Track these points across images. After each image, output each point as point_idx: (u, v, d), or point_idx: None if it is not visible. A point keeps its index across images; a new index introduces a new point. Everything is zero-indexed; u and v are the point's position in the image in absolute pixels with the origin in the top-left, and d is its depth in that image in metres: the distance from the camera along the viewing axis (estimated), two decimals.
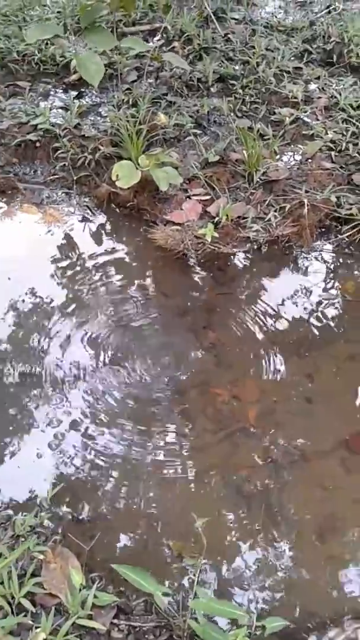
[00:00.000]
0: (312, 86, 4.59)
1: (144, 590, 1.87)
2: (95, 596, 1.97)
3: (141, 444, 2.61)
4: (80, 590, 1.98)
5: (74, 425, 2.66)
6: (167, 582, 2.13)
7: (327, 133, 4.04)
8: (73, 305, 3.20)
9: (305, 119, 4.24)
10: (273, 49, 4.87)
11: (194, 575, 2.08)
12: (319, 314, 3.18)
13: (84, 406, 2.74)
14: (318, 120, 4.22)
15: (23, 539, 2.18)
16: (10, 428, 2.65)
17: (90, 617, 1.92)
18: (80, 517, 2.32)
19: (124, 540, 2.27)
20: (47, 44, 5.04)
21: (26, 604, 1.96)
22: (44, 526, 2.26)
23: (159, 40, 5.13)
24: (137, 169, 3.45)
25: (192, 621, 1.80)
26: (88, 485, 2.44)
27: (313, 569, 2.24)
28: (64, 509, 2.35)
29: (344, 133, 4.00)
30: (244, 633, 1.79)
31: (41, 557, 2.13)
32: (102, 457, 2.54)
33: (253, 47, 4.81)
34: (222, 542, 2.29)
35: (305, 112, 4.25)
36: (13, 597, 1.96)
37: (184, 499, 2.43)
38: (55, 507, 2.34)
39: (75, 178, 3.93)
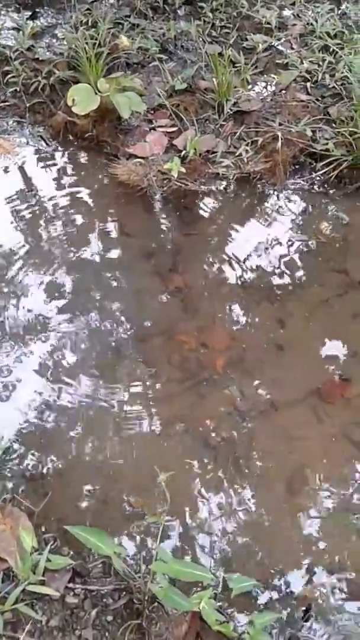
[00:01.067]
0: (287, 12, 4.23)
1: (101, 552, 1.71)
2: (48, 559, 1.80)
3: (101, 394, 2.41)
4: (31, 553, 1.80)
5: (27, 374, 2.44)
6: (127, 542, 1.98)
7: (302, 62, 3.74)
8: (26, 248, 2.92)
9: (279, 47, 3.91)
10: None
11: (156, 534, 1.92)
12: (292, 257, 2.98)
13: (39, 354, 2.51)
14: (293, 48, 3.90)
15: None
16: None
17: (42, 583, 1.75)
18: (32, 474, 2.13)
19: (80, 497, 2.09)
20: None
21: None
22: None
23: None
24: (95, 93, 3.11)
25: (153, 585, 1.65)
26: (41, 439, 2.24)
27: (282, 523, 2.12)
28: (14, 464, 2.15)
29: (320, 63, 3.71)
30: (209, 595, 1.66)
31: None
32: (57, 408, 2.34)
33: None
34: (186, 498, 2.14)
35: (279, 39, 3.92)
36: None
37: (146, 453, 2.26)
38: (4, 462, 2.14)
39: (27, 105, 3.55)
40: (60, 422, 2.31)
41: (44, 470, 2.14)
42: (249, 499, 2.16)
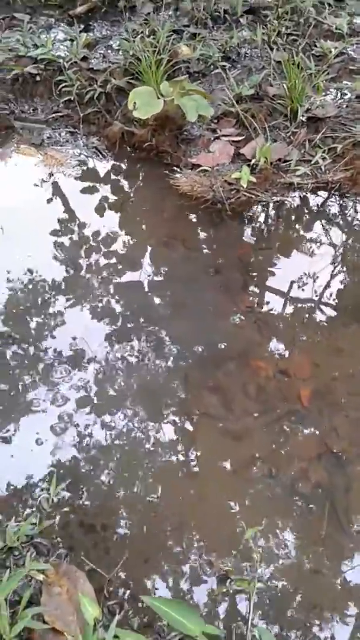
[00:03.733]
0: (358, 20, 3.97)
1: (186, 632, 1.33)
2: (115, 636, 1.43)
3: (167, 430, 2.06)
4: (95, 626, 1.44)
5: (84, 405, 2.11)
6: (209, 613, 1.60)
7: None
8: (81, 267, 2.63)
9: (352, 53, 3.63)
10: None
11: (247, 603, 1.54)
12: None
13: (97, 384, 2.18)
14: None
15: (17, 553, 1.64)
16: (1, 407, 2.09)
17: None
18: (92, 524, 1.77)
19: (150, 555, 1.72)
20: None
21: None
22: (44, 536, 1.71)
23: None
24: (158, 97, 2.86)
25: None
26: (102, 482, 1.89)
27: None
28: (71, 512, 1.80)
29: None
30: None
31: (41, 577, 1.59)
32: (119, 446, 2.00)
33: None
34: (277, 558, 1.75)
35: (352, 45, 3.65)
36: (2, 638, 1.42)
37: (224, 501, 1.88)
38: (59, 510, 1.79)
39: (82, 115, 3.34)
40: (122, 461, 1.96)
41: (105, 520, 1.78)
42: (350, 558, 1.76)
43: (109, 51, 3.75)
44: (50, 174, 3.11)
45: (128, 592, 1.61)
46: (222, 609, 1.60)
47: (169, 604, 1.36)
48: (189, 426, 2.09)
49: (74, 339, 2.32)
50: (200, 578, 1.66)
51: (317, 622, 1.61)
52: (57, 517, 1.77)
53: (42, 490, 1.83)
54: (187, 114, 2.81)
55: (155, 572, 1.67)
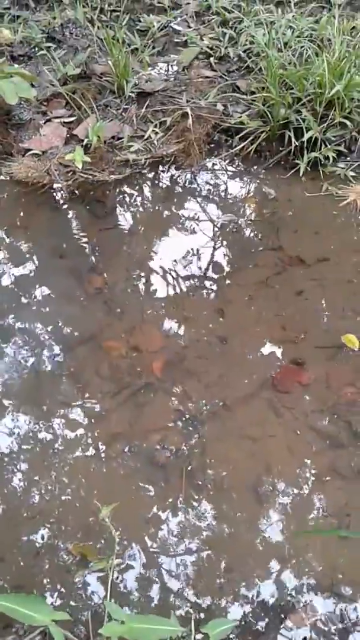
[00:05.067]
0: None
1: (35, 623, 1.30)
2: None
3: (24, 418, 2.00)
4: None
5: None
6: (69, 602, 1.58)
7: (202, 39, 3.50)
8: None
9: (175, 26, 3.66)
10: None
11: (106, 584, 1.53)
12: (221, 240, 2.69)
13: None
14: (190, 27, 3.66)
15: None
16: None
17: None
18: None
19: (6, 550, 1.67)
20: None
21: None
22: None
23: None
24: None
25: None
26: None
27: (256, 540, 1.79)
28: None
29: (221, 38, 3.48)
30: None
31: None
32: None
33: None
34: (138, 531, 1.76)
35: (175, 18, 3.68)
36: None
37: (83, 483, 1.87)
38: None
39: None
40: None
41: None
42: (212, 520, 1.82)
43: None
44: None
45: None
46: (82, 592, 1.58)
47: (12, 599, 1.32)
48: (47, 414, 2.04)
49: None
50: (59, 566, 1.64)
51: (171, 583, 1.65)
52: None
53: None
54: (6, 98, 2.69)
55: (10, 568, 1.63)
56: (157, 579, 1.65)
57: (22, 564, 1.64)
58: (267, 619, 1.59)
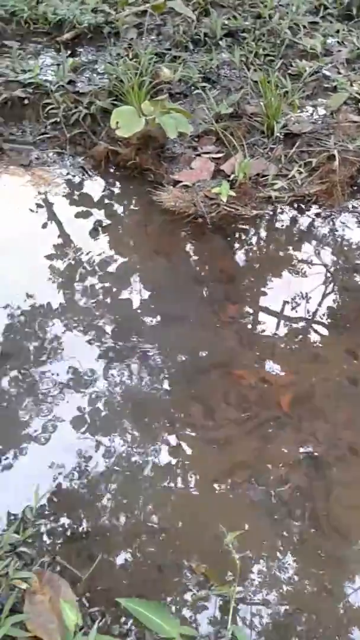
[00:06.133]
0: (331, 40, 4.10)
1: (163, 634, 1.36)
2: None
3: (151, 440, 2.10)
4: (75, 633, 1.46)
5: (68, 418, 2.14)
6: (190, 617, 1.62)
7: (352, 85, 3.55)
8: (67, 283, 2.68)
9: (326, 72, 3.75)
10: (285, 5, 4.38)
11: (228, 607, 1.56)
12: (357, 282, 2.68)
13: (79, 398, 2.22)
14: (340, 73, 3.73)
15: (1, 562, 1.66)
16: None
17: None
18: (74, 533, 1.79)
19: (131, 562, 1.74)
20: (37, 2, 4.55)
21: None
22: (27, 544, 1.73)
23: None
24: (140, 117, 2.94)
25: None
26: (85, 492, 1.92)
27: None
28: (54, 522, 1.83)
29: None
30: None
31: (24, 586, 1.61)
32: (101, 457, 2.03)
33: (262, 0, 4.33)
34: (259, 562, 1.77)
35: (326, 64, 3.76)
36: None
37: (206, 508, 1.91)
38: (43, 519, 1.82)
39: (68, 136, 3.42)
40: (105, 471, 1.99)
41: (88, 529, 1.81)
42: (334, 562, 1.78)
43: (94, 75, 3.86)
44: (38, 194, 3.18)
45: (110, 598, 1.63)
46: (202, 612, 1.62)
47: (146, 606, 1.38)
48: (173, 436, 2.12)
49: (63, 355, 2.36)
50: (181, 582, 1.69)
51: (299, 627, 1.63)
52: (40, 527, 1.79)
53: (25, 500, 1.85)
54: (167, 132, 2.89)
55: (136, 579, 1.70)
56: (276, 612, 1.65)
57: (145, 575, 1.70)
58: None
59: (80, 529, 1.80)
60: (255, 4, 4.30)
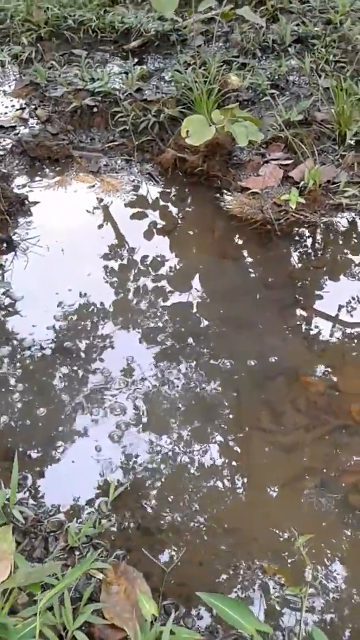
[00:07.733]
0: None
1: (241, 629, 1.38)
2: (171, 631, 1.49)
3: (221, 442, 2.13)
4: (152, 623, 1.51)
5: (140, 416, 2.21)
6: (261, 616, 1.64)
7: None
8: (136, 285, 2.76)
9: None
10: (357, 10, 4.35)
11: (299, 608, 1.57)
12: None
13: (152, 396, 2.28)
14: None
15: (78, 553, 1.73)
16: (63, 416, 2.21)
17: None
18: (150, 527, 1.85)
19: (205, 557, 1.78)
20: (105, 11, 4.69)
21: (81, 638, 1.50)
22: (104, 537, 1.80)
23: (227, 4, 4.70)
24: (210, 125, 2.99)
25: None
26: (160, 487, 1.97)
27: None
28: (130, 515, 1.89)
29: None
30: None
31: (100, 576, 1.67)
32: (176, 452, 2.08)
33: (333, 6, 4.31)
34: (330, 565, 1.77)
35: None
36: (65, 629, 1.51)
37: (277, 511, 1.93)
38: (119, 512, 1.88)
39: (136, 144, 3.51)
40: (179, 467, 2.03)
41: (163, 523, 1.86)
42: None
43: (162, 82, 3.95)
44: (107, 199, 3.27)
45: (183, 593, 1.67)
46: (274, 611, 1.64)
47: (225, 601, 1.41)
48: (241, 438, 2.15)
49: (126, 357, 2.43)
50: (253, 581, 1.71)
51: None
52: (115, 520, 1.86)
53: (100, 494, 1.92)
54: (238, 140, 2.93)
55: (209, 575, 1.73)
56: (350, 617, 1.65)
57: (218, 571, 1.73)
58: None
59: (156, 522, 1.85)
60: (325, 9, 4.29)
